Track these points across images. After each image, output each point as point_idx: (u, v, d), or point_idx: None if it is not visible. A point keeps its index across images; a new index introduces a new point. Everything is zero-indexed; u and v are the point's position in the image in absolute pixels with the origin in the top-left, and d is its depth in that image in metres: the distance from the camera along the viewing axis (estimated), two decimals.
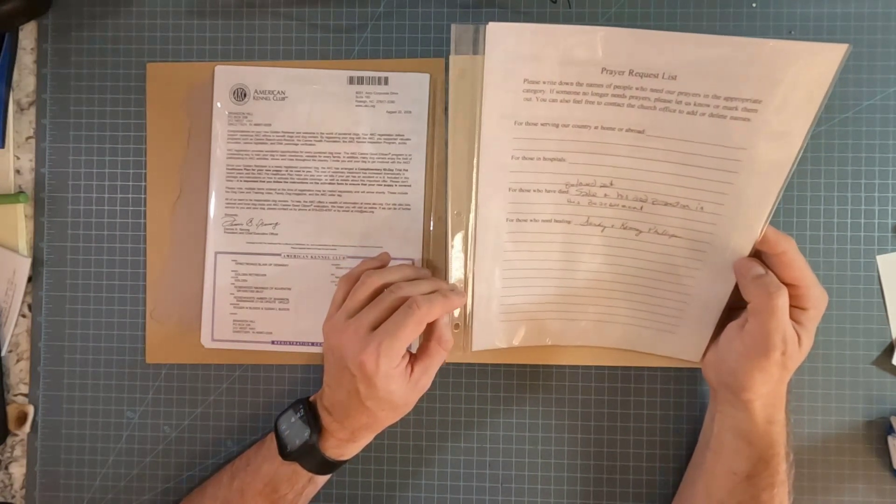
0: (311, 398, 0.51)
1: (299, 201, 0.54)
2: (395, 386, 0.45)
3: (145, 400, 0.56)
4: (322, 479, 0.52)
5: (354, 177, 0.54)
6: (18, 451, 0.56)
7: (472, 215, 0.49)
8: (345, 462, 0.50)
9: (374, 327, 0.45)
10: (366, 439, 0.50)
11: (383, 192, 0.54)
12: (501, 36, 0.44)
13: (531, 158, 0.47)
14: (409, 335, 0.45)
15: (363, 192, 0.54)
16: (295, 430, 0.49)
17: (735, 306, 0.48)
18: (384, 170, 0.54)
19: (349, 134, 0.54)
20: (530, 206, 0.49)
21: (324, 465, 0.49)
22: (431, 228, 0.54)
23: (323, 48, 0.54)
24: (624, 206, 0.48)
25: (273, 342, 0.55)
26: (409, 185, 0.54)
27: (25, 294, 0.56)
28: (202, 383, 0.55)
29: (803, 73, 0.41)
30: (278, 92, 0.54)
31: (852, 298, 0.53)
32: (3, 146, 0.55)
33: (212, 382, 0.55)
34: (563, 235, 0.50)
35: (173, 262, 0.55)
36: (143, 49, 0.55)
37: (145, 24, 0.55)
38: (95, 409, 0.56)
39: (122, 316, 0.56)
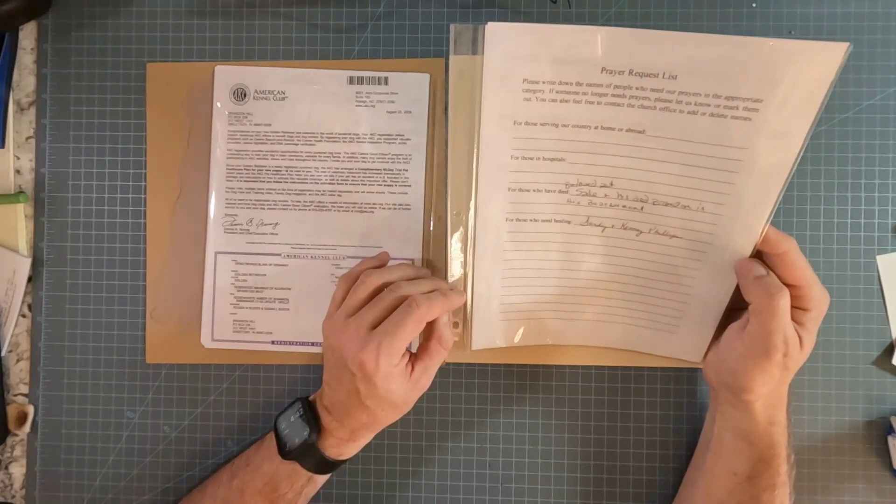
0: (311, 397, 0.51)
1: (299, 201, 0.54)
2: (394, 385, 0.46)
3: (145, 400, 0.56)
4: (321, 479, 0.52)
5: (354, 177, 0.54)
6: (18, 451, 0.56)
7: (471, 215, 0.49)
8: (344, 462, 0.50)
9: (374, 326, 0.45)
10: (365, 439, 0.50)
11: (383, 192, 0.54)
12: (501, 36, 0.44)
13: (531, 158, 0.48)
14: (409, 334, 0.45)
15: (363, 192, 0.54)
16: (294, 429, 0.49)
17: (736, 307, 0.48)
18: (384, 170, 0.54)
19: (349, 134, 0.54)
20: (530, 205, 0.49)
21: (323, 464, 0.49)
22: (431, 228, 0.54)
23: (323, 48, 0.55)
24: (624, 206, 0.48)
25: (273, 342, 0.55)
26: (409, 185, 0.54)
27: (25, 294, 0.56)
28: (202, 383, 0.56)
29: (804, 72, 0.41)
30: (278, 92, 0.54)
31: (852, 298, 0.53)
32: (3, 146, 0.55)
33: (212, 382, 0.56)
34: (563, 235, 0.50)
35: (173, 262, 0.55)
36: (143, 49, 0.55)
37: (145, 24, 0.55)
38: (95, 409, 0.56)
39: (122, 316, 0.56)
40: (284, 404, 0.51)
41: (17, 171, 0.56)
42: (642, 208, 0.48)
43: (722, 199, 0.46)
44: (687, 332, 0.51)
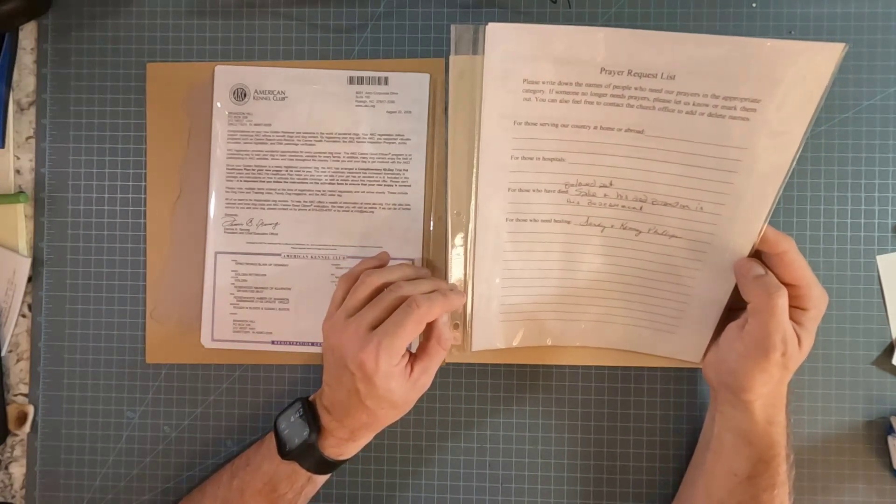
0: (311, 397, 0.51)
1: (299, 201, 0.55)
2: (394, 384, 0.46)
3: (145, 400, 0.56)
4: (321, 479, 0.52)
5: (354, 177, 0.55)
6: (18, 451, 0.57)
7: (472, 215, 0.50)
8: (344, 462, 0.51)
9: (374, 326, 0.46)
10: (365, 439, 0.51)
11: (383, 192, 0.55)
12: (501, 36, 0.45)
13: (531, 158, 0.48)
14: (409, 334, 0.45)
15: (363, 192, 0.55)
16: (294, 429, 0.49)
17: (735, 307, 0.49)
18: (384, 170, 0.55)
19: (349, 134, 0.54)
20: (530, 206, 0.50)
21: (323, 464, 0.49)
22: (431, 228, 0.55)
23: (323, 48, 0.55)
24: (623, 206, 0.49)
25: (273, 342, 0.56)
26: (409, 185, 0.54)
27: (25, 294, 0.56)
28: (202, 383, 0.56)
29: (801, 72, 0.42)
30: (278, 92, 0.55)
31: (852, 298, 0.53)
32: (3, 146, 0.56)
33: (212, 382, 0.56)
34: (563, 235, 0.50)
35: (173, 262, 0.56)
36: (143, 49, 0.56)
37: (145, 24, 0.56)
38: (95, 409, 0.56)
39: (122, 316, 0.56)
40: (284, 404, 0.52)
41: (17, 171, 0.57)
42: (641, 208, 0.49)
43: (721, 199, 0.47)
44: (686, 332, 0.52)
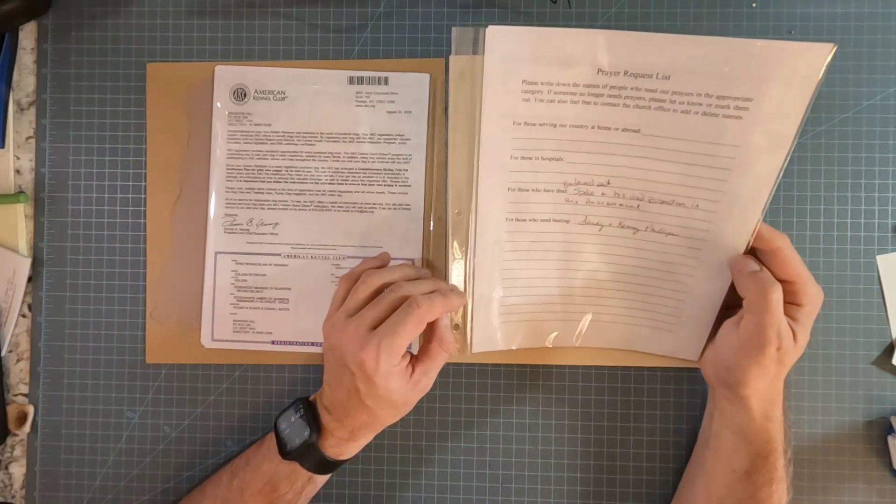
0: (311, 397, 0.52)
1: (299, 201, 0.56)
2: (394, 384, 0.46)
3: (145, 400, 0.57)
4: (321, 479, 0.53)
5: (354, 177, 0.55)
6: (18, 451, 0.57)
7: (472, 215, 0.51)
8: (344, 462, 0.51)
9: (375, 326, 0.46)
10: (365, 439, 0.51)
11: (383, 192, 0.55)
12: (500, 38, 0.45)
13: (530, 158, 0.49)
14: (410, 334, 0.46)
15: (363, 192, 0.55)
16: (294, 429, 0.50)
17: (732, 304, 0.49)
18: (384, 170, 0.55)
19: (349, 134, 0.55)
20: (529, 205, 0.50)
21: (323, 464, 0.50)
22: (431, 228, 0.55)
23: (323, 48, 0.56)
24: (621, 204, 0.50)
25: (273, 342, 0.56)
26: (409, 185, 0.55)
27: (25, 294, 0.57)
28: (202, 383, 0.57)
29: (792, 72, 0.43)
30: (278, 92, 0.55)
31: (852, 298, 0.54)
32: (3, 146, 0.56)
33: (212, 382, 0.57)
34: (562, 235, 0.51)
35: (173, 262, 0.56)
36: (143, 49, 0.56)
37: (145, 24, 0.56)
38: (95, 409, 0.57)
39: (122, 316, 0.57)
40: (284, 404, 0.52)
41: (17, 171, 0.57)
42: (638, 206, 0.50)
43: (716, 197, 0.48)
44: (684, 331, 0.52)
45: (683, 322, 0.52)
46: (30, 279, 0.57)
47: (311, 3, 0.56)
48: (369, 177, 0.55)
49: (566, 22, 0.55)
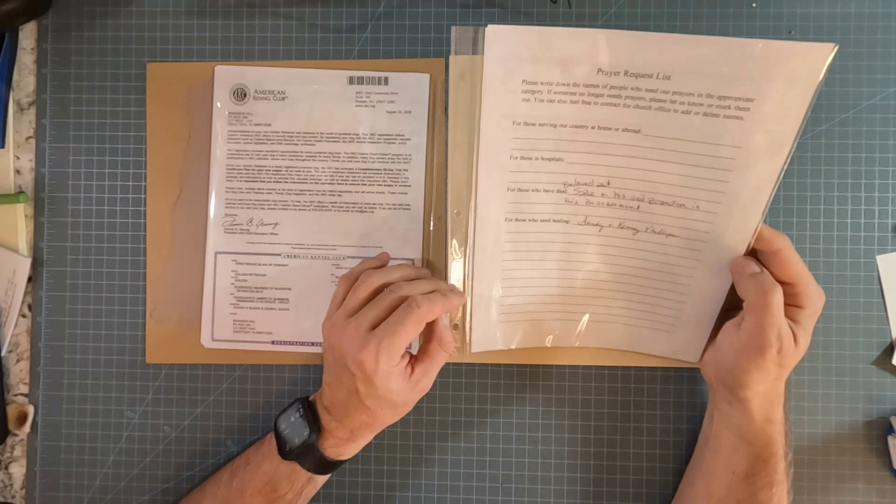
0: (311, 398, 0.52)
1: (299, 201, 0.56)
2: (394, 385, 0.47)
3: (145, 400, 0.57)
4: (321, 479, 0.53)
5: (354, 177, 0.56)
6: (18, 451, 0.58)
7: (471, 215, 0.51)
8: (344, 462, 0.52)
9: (374, 326, 0.46)
10: (365, 439, 0.51)
11: (383, 192, 0.56)
12: (500, 38, 0.46)
13: (529, 158, 0.49)
14: (409, 334, 0.46)
15: (363, 192, 0.56)
16: (294, 429, 0.50)
17: (732, 306, 0.50)
18: (384, 170, 0.56)
19: (349, 134, 0.55)
20: (529, 205, 0.51)
21: (323, 464, 0.50)
22: (431, 228, 0.55)
23: (323, 48, 0.56)
24: (621, 205, 0.50)
25: (273, 342, 0.57)
26: (409, 185, 0.56)
27: (25, 294, 0.57)
28: (202, 383, 0.57)
29: (793, 72, 0.44)
30: (278, 92, 0.56)
31: (852, 298, 0.54)
32: (3, 146, 0.57)
33: (212, 382, 0.57)
34: (562, 235, 0.52)
35: (173, 262, 0.57)
36: (143, 49, 0.57)
37: (145, 24, 0.57)
38: (95, 409, 0.57)
39: (122, 316, 0.57)
40: (284, 404, 0.53)
41: (17, 171, 0.58)
42: (638, 207, 0.50)
43: (716, 198, 0.48)
44: (684, 332, 0.53)
45: (683, 323, 0.52)
46: (30, 279, 0.57)
47: (311, 3, 0.56)
48: (369, 177, 0.56)
49: (566, 22, 0.55)
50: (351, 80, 0.55)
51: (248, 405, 0.57)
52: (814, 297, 0.47)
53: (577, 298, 0.54)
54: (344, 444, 0.50)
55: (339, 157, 0.56)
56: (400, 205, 0.56)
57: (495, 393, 0.56)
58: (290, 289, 0.56)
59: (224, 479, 0.54)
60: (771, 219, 0.54)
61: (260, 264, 0.56)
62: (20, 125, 0.58)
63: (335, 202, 0.56)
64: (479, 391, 0.56)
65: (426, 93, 0.55)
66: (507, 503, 0.56)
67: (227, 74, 0.56)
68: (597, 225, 0.51)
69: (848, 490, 0.54)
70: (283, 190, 0.56)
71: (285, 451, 0.50)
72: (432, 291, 0.49)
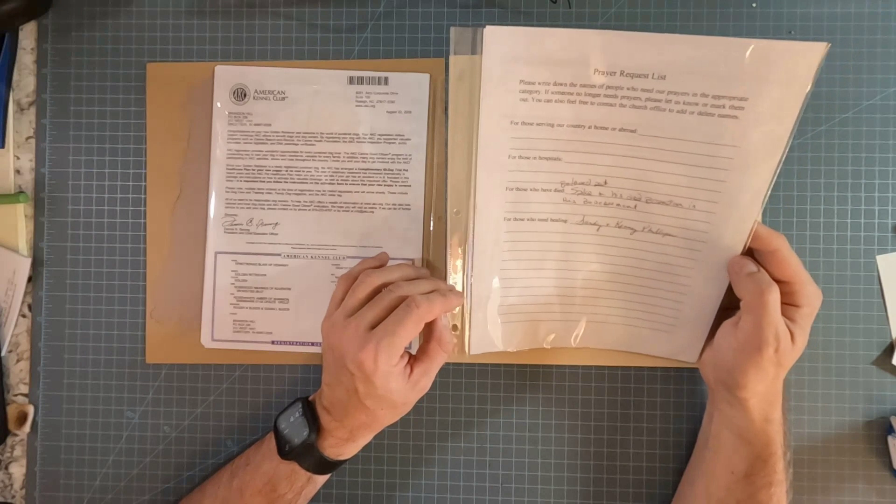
0: (311, 398, 0.53)
1: (299, 201, 0.56)
2: (393, 384, 0.47)
3: (145, 400, 0.58)
4: (321, 479, 0.53)
5: (354, 177, 0.56)
6: (18, 451, 0.58)
7: (471, 214, 0.51)
8: (343, 462, 0.52)
9: (373, 326, 0.47)
10: (364, 439, 0.52)
11: (383, 192, 0.56)
12: (498, 39, 0.46)
13: (528, 158, 0.50)
14: (408, 334, 0.46)
15: (363, 192, 0.56)
16: (294, 429, 0.50)
17: (731, 306, 0.50)
18: (384, 170, 0.56)
19: (349, 134, 0.56)
20: (527, 205, 0.51)
21: (322, 464, 0.51)
22: (431, 228, 0.56)
23: (323, 48, 0.57)
24: (618, 204, 0.51)
25: (273, 342, 0.57)
26: (409, 185, 0.56)
27: (25, 294, 0.58)
28: (202, 383, 0.57)
29: (787, 71, 0.44)
30: (278, 92, 0.56)
31: (852, 298, 0.55)
32: (3, 146, 0.57)
33: (212, 382, 0.57)
34: (560, 235, 0.52)
35: (173, 262, 0.57)
36: (143, 49, 0.57)
37: (145, 24, 0.57)
38: (95, 409, 0.58)
39: (122, 316, 0.58)
40: (284, 404, 0.53)
41: (17, 171, 0.58)
42: (636, 206, 0.50)
43: (713, 197, 0.48)
44: (683, 332, 0.53)
45: (682, 323, 0.53)
46: (30, 279, 0.58)
47: (311, 3, 0.56)
48: (369, 177, 0.56)
49: (566, 22, 0.56)
50: (351, 80, 0.56)
51: (248, 405, 0.58)
52: (811, 297, 0.47)
53: (575, 299, 0.54)
54: (343, 444, 0.51)
55: (339, 157, 0.56)
56: (400, 205, 0.56)
57: (495, 393, 0.57)
58: (290, 289, 0.57)
59: (224, 479, 0.54)
60: (770, 219, 0.54)
61: (260, 264, 0.57)
62: (20, 125, 0.58)
63: (335, 202, 0.56)
64: (479, 391, 0.57)
65: (426, 93, 0.55)
66: (507, 503, 0.57)
67: (227, 74, 0.56)
68: (594, 224, 0.52)
69: (848, 490, 0.55)
70: (283, 190, 0.56)
71: (285, 451, 0.50)
72: (431, 291, 0.49)
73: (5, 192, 0.58)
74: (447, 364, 0.56)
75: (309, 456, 0.50)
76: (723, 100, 0.46)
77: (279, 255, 0.57)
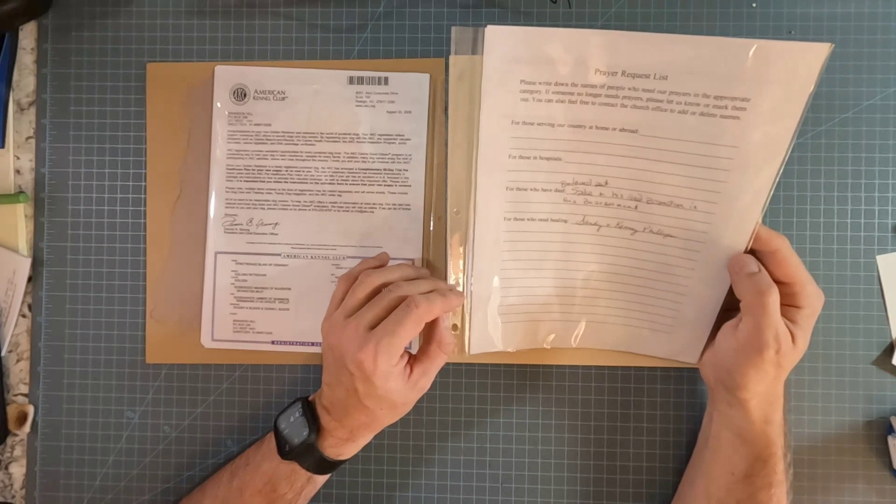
0: (311, 398, 0.53)
1: (299, 201, 0.57)
2: (393, 384, 0.47)
3: (145, 400, 0.58)
4: (321, 479, 0.54)
5: (354, 177, 0.56)
6: (18, 451, 0.58)
7: (471, 214, 0.52)
8: (343, 462, 0.52)
9: (373, 326, 0.47)
10: (364, 439, 0.52)
11: (383, 192, 0.56)
12: (499, 38, 0.47)
13: (528, 158, 0.50)
14: (408, 334, 0.46)
15: (363, 192, 0.56)
16: (294, 428, 0.50)
17: (731, 307, 0.50)
18: (384, 170, 0.56)
19: (349, 134, 0.56)
20: (528, 205, 0.51)
21: (322, 464, 0.51)
22: (431, 228, 0.56)
23: (323, 48, 0.57)
24: (619, 205, 0.51)
25: (273, 342, 0.57)
26: (409, 185, 0.56)
27: (25, 294, 0.58)
28: (202, 383, 0.58)
29: (789, 72, 0.44)
30: (278, 92, 0.56)
31: (852, 298, 0.55)
32: (3, 146, 0.57)
33: (212, 382, 0.58)
34: (560, 235, 0.52)
35: (173, 262, 0.57)
36: (143, 49, 0.57)
37: (145, 24, 0.57)
38: (95, 409, 0.58)
39: (122, 316, 0.58)
40: (284, 404, 0.53)
41: (17, 171, 0.58)
42: (636, 207, 0.50)
43: (714, 198, 0.48)
44: (683, 333, 0.53)
45: (682, 324, 0.53)
46: (30, 279, 0.58)
47: (311, 3, 0.57)
48: (369, 177, 0.56)
49: (566, 22, 0.56)
50: (351, 80, 0.56)
51: (248, 405, 0.58)
52: (812, 298, 0.47)
53: (575, 299, 0.54)
54: (343, 444, 0.51)
55: (339, 157, 0.56)
56: (400, 205, 0.56)
57: (495, 393, 0.57)
58: (290, 289, 0.57)
59: (224, 479, 0.54)
60: (771, 219, 0.55)
61: (260, 264, 0.57)
62: (20, 125, 0.58)
63: (335, 202, 0.56)
64: (479, 391, 0.57)
65: (426, 93, 0.56)
66: (507, 503, 0.57)
67: (227, 74, 0.57)
68: (595, 224, 0.52)
69: (848, 490, 0.55)
70: (283, 190, 0.57)
71: (285, 451, 0.50)
72: (431, 291, 0.49)
73: (5, 192, 0.58)
74: (447, 364, 0.56)
75: (309, 456, 0.50)
76: (724, 100, 0.46)
77: (279, 255, 0.57)
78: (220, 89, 0.57)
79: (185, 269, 0.57)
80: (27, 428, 0.58)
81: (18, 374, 0.59)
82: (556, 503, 0.57)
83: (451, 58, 0.51)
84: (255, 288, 0.57)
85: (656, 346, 0.54)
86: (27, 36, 0.58)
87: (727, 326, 0.49)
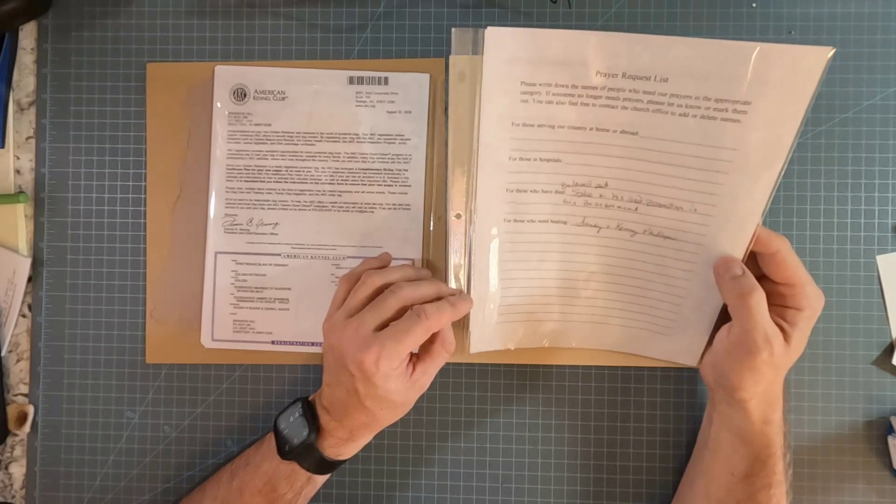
0: (311, 398, 0.53)
1: (299, 201, 0.57)
2: (394, 385, 0.47)
3: (145, 400, 0.58)
4: (321, 479, 0.54)
5: (354, 177, 0.56)
6: (18, 451, 0.59)
7: (471, 216, 0.52)
8: (343, 462, 0.52)
9: (374, 327, 0.47)
10: (364, 439, 0.52)
11: (383, 192, 0.56)
12: (499, 39, 0.46)
13: (528, 159, 0.50)
14: (414, 342, 0.47)
15: (363, 192, 0.56)
16: (294, 428, 0.51)
17: None
18: (384, 170, 0.56)
19: (349, 134, 0.56)
20: (527, 206, 0.51)
21: (322, 464, 0.51)
22: (431, 228, 0.56)
23: (323, 48, 0.57)
24: (619, 206, 0.51)
25: (273, 342, 0.57)
26: (409, 185, 0.56)
27: (25, 294, 0.58)
28: (202, 383, 0.58)
29: (791, 75, 0.44)
30: (278, 92, 0.56)
31: (852, 298, 0.55)
32: (3, 146, 0.57)
33: (212, 382, 0.58)
34: (560, 236, 0.52)
35: (173, 262, 0.58)
36: (143, 49, 0.57)
37: (145, 24, 0.58)
38: (95, 409, 0.58)
39: (122, 316, 0.58)
40: (284, 404, 0.53)
41: (17, 171, 0.58)
42: (636, 209, 0.51)
43: (713, 201, 0.48)
44: (682, 335, 0.53)
45: (681, 326, 0.53)
46: (30, 279, 0.58)
47: (311, 3, 0.57)
48: (369, 177, 0.56)
49: (566, 22, 0.56)
50: (351, 80, 0.56)
51: (248, 405, 0.58)
52: (812, 299, 0.47)
53: (575, 300, 0.54)
54: (343, 444, 0.51)
55: (339, 157, 0.56)
56: (400, 205, 0.56)
57: (495, 393, 0.57)
58: (290, 289, 0.57)
59: (224, 479, 0.54)
60: (771, 219, 0.55)
61: (260, 264, 0.57)
62: (20, 125, 0.58)
63: (335, 202, 0.57)
64: (479, 391, 0.57)
65: (426, 93, 0.56)
66: (507, 503, 0.57)
67: (227, 74, 0.57)
68: (595, 226, 0.52)
69: (848, 490, 0.55)
70: (283, 190, 0.57)
71: (285, 451, 0.50)
72: (438, 299, 0.49)
73: (5, 192, 0.58)
74: (447, 364, 0.56)
75: (309, 456, 0.50)
76: (725, 103, 0.46)
77: (279, 255, 0.57)
78: (220, 89, 0.57)
79: (185, 269, 0.58)
80: (27, 428, 0.58)
81: (18, 374, 0.59)
82: (555, 503, 0.57)
83: (452, 58, 0.51)
84: (255, 288, 0.57)
85: (656, 347, 0.55)
86: (27, 36, 0.58)
87: (724, 329, 0.49)
